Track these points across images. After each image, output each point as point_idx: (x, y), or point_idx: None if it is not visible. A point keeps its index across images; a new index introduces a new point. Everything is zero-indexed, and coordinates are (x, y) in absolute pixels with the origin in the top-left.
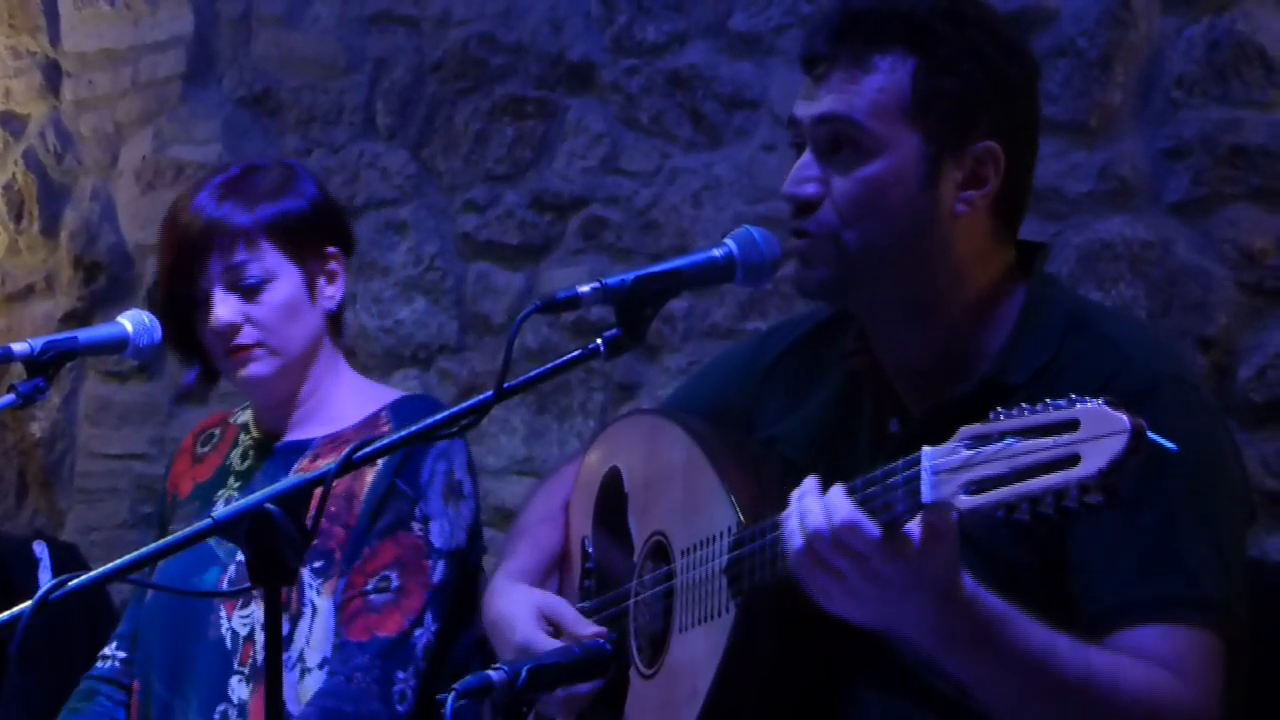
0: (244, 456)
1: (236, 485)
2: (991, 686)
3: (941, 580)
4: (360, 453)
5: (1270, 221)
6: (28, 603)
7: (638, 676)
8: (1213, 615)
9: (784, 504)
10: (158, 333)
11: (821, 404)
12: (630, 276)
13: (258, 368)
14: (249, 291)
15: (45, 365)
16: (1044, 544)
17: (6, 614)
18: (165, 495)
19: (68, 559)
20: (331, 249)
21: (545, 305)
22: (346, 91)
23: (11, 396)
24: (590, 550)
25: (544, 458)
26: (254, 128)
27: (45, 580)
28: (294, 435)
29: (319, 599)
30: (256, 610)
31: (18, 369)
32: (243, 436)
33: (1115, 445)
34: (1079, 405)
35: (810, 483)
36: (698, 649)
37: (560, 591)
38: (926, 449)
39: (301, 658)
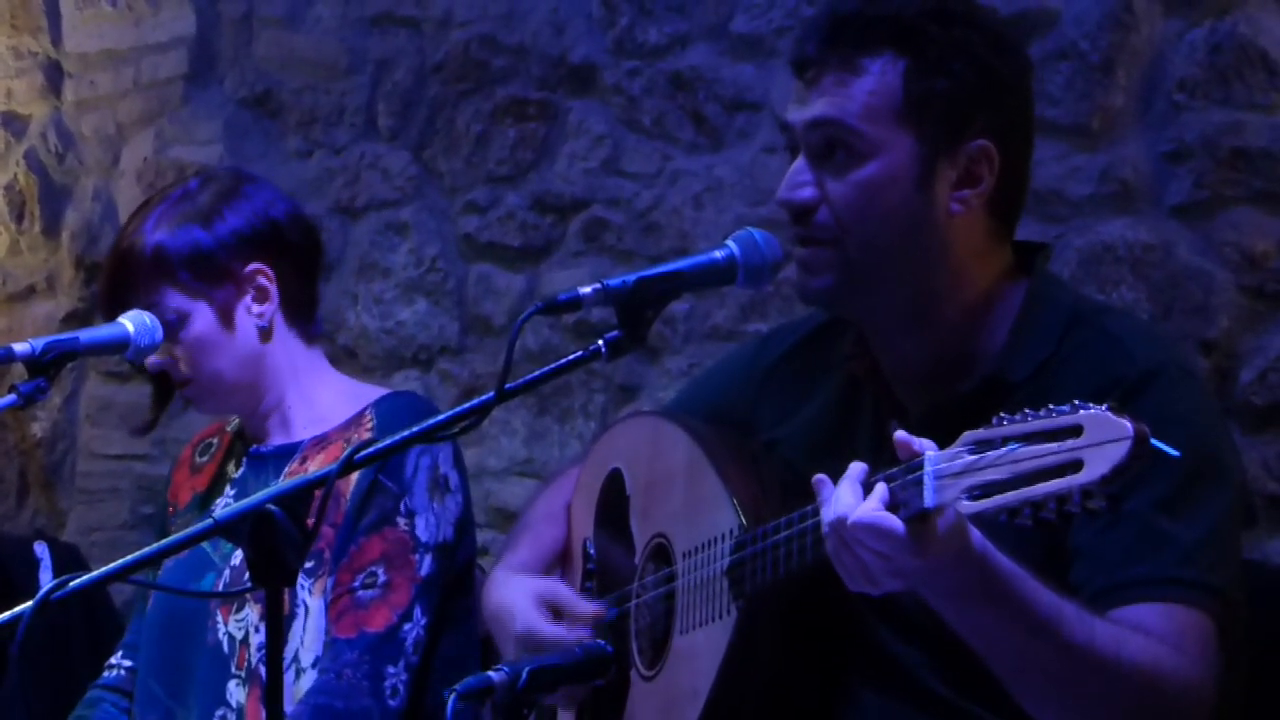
0: (238, 464)
1: (232, 492)
2: (998, 643)
3: (953, 557)
4: (361, 454)
5: (1272, 224)
6: (28, 603)
7: (639, 678)
8: (1208, 597)
9: (785, 506)
10: (159, 333)
11: (821, 406)
12: (631, 278)
13: (201, 402)
14: (169, 330)
15: (46, 365)
16: (1044, 537)
17: (7, 614)
18: (166, 506)
19: (68, 559)
20: (253, 266)
21: (546, 307)
22: (348, 93)
23: (13, 397)
24: (592, 552)
25: (545, 459)
26: (255, 129)
27: (46, 581)
28: (280, 440)
29: (311, 599)
30: (251, 614)
31: (19, 369)
32: (237, 444)
33: (1118, 451)
34: (1082, 411)
35: (857, 468)
36: (699, 651)
37: None
38: (929, 454)
39: (296, 658)
